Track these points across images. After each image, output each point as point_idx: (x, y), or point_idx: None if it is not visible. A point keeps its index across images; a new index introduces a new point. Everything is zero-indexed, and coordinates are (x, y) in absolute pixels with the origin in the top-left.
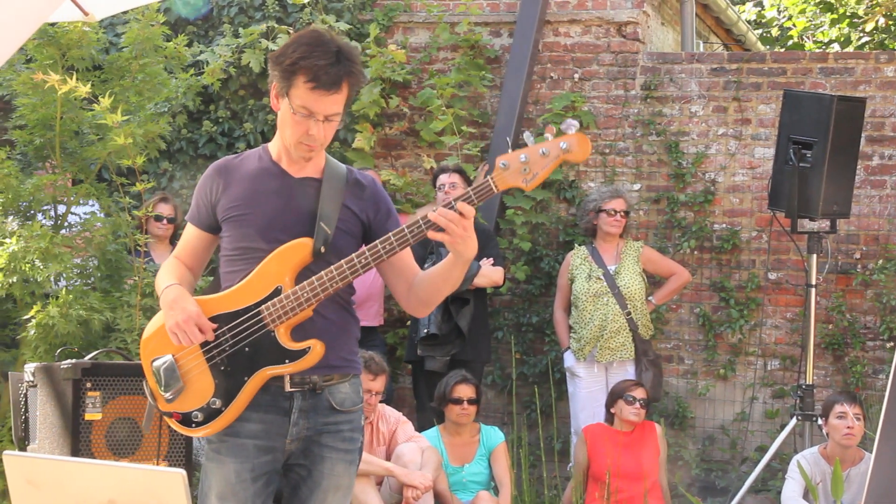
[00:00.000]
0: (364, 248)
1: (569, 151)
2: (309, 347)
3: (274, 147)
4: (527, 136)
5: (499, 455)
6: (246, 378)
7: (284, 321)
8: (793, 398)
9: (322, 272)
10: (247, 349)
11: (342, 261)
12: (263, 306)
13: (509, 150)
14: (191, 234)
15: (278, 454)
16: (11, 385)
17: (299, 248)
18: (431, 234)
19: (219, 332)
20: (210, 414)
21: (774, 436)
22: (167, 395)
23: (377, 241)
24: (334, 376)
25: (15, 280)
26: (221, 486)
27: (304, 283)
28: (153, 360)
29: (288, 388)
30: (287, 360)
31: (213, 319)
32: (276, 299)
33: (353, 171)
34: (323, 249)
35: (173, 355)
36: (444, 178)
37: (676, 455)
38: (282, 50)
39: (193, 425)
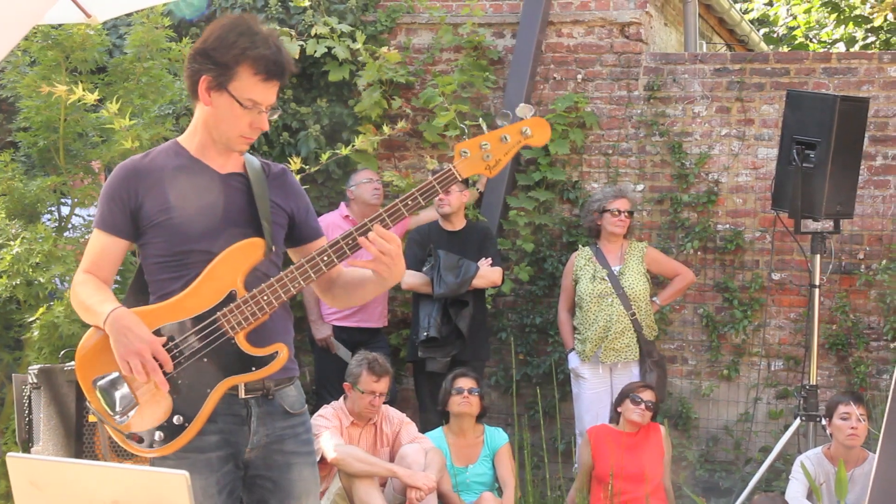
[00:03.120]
0: (325, 245)
1: (530, 136)
2: (276, 352)
3: (191, 142)
4: (482, 121)
5: (502, 456)
6: (209, 390)
7: (245, 327)
8: (796, 399)
9: (281, 273)
10: (205, 360)
11: (302, 260)
12: (220, 313)
13: (465, 138)
14: (104, 243)
15: (238, 461)
16: (15, 387)
17: (252, 249)
18: (360, 264)
19: (171, 344)
20: (173, 431)
21: (778, 436)
22: (117, 416)
23: (338, 237)
24: (284, 380)
25: (18, 282)
26: None
27: (263, 285)
28: (96, 380)
29: (243, 395)
30: (253, 368)
31: (160, 330)
32: (233, 305)
33: (266, 162)
34: (274, 248)
35: (120, 372)
36: None
37: (680, 456)
38: (213, 42)
39: (154, 445)
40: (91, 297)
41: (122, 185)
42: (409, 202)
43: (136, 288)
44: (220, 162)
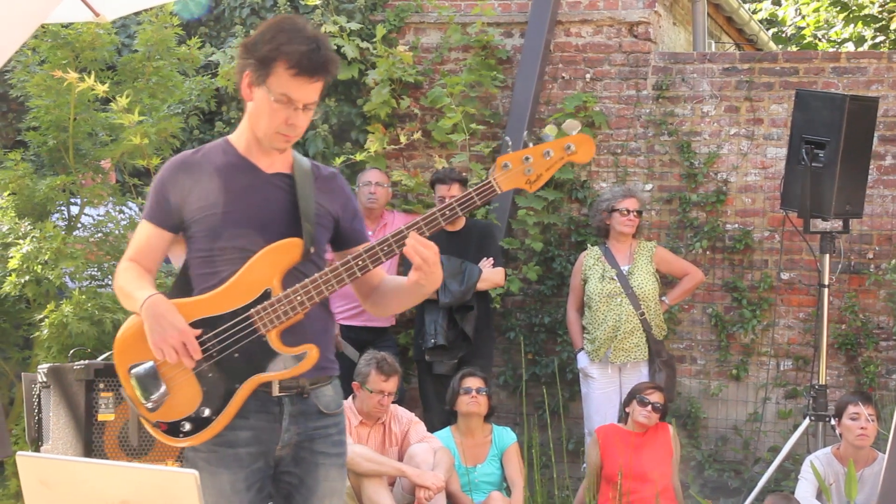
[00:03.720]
0: (360, 248)
1: (573, 153)
2: (305, 352)
3: (240, 140)
4: (527, 136)
5: (511, 455)
6: (237, 385)
7: (277, 325)
8: (806, 398)
9: (316, 275)
10: (236, 355)
11: (337, 263)
12: (253, 310)
13: (509, 150)
14: (150, 233)
15: (269, 459)
16: (25, 386)
17: (290, 249)
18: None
19: (204, 337)
20: (199, 423)
21: (787, 436)
22: (149, 404)
23: (373, 243)
24: (320, 379)
25: (27, 280)
26: (215, 498)
27: (297, 285)
28: (132, 367)
29: (276, 393)
30: (282, 366)
31: (195, 324)
32: (266, 303)
33: (317, 164)
34: (312, 249)
35: (155, 361)
36: (443, 190)
37: (689, 455)
38: (256, 37)
39: (181, 435)
40: (131, 283)
41: (169, 178)
42: (447, 212)
43: (180, 284)
44: (267, 161)
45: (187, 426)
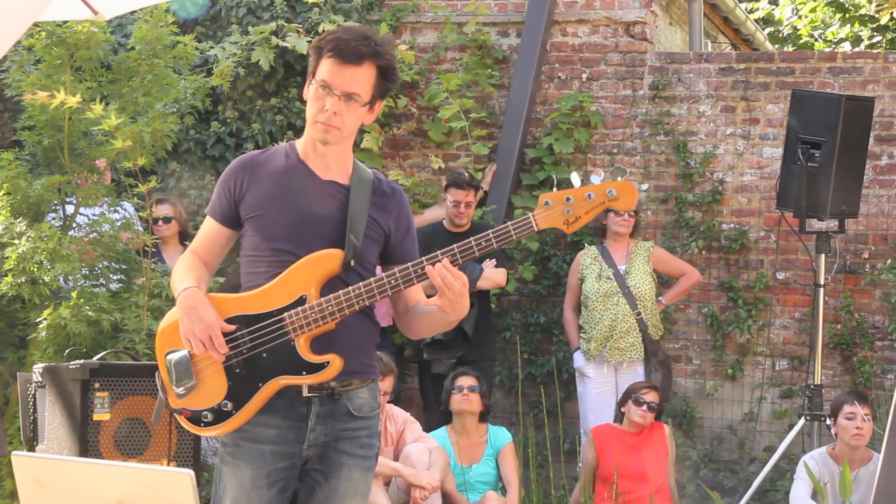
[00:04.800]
0: (395, 268)
1: (615, 199)
2: (328, 362)
3: (301, 144)
4: (574, 176)
5: (506, 455)
6: (260, 384)
7: (306, 332)
8: (801, 398)
9: (350, 288)
10: (264, 355)
11: (371, 279)
12: (286, 314)
13: (554, 189)
14: (210, 228)
15: (295, 460)
16: (20, 386)
17: (329, 260)
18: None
19: (237, 333)
20: (220, 415)
21: (783, 436)
22: (178, 390)
23: (409, 264)
24: (353, 382)
25: (23, 280)
26: (236, 492)
27: (331, 296)
28: (167, 353)
29: (306, 394)
30: (304, 372)
31: (232, 320)
32: (299, 308)
33: (380, 178)
34: (353, 263)
35: (189, 350)
36: (460, 195)
37: (684, 455)
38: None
39: (202, 424)
40: (179, 273)
41: (232, 175)
42: (483, 242)
43: (233, 280)
44: (324, 167)
45: (209, 416)
